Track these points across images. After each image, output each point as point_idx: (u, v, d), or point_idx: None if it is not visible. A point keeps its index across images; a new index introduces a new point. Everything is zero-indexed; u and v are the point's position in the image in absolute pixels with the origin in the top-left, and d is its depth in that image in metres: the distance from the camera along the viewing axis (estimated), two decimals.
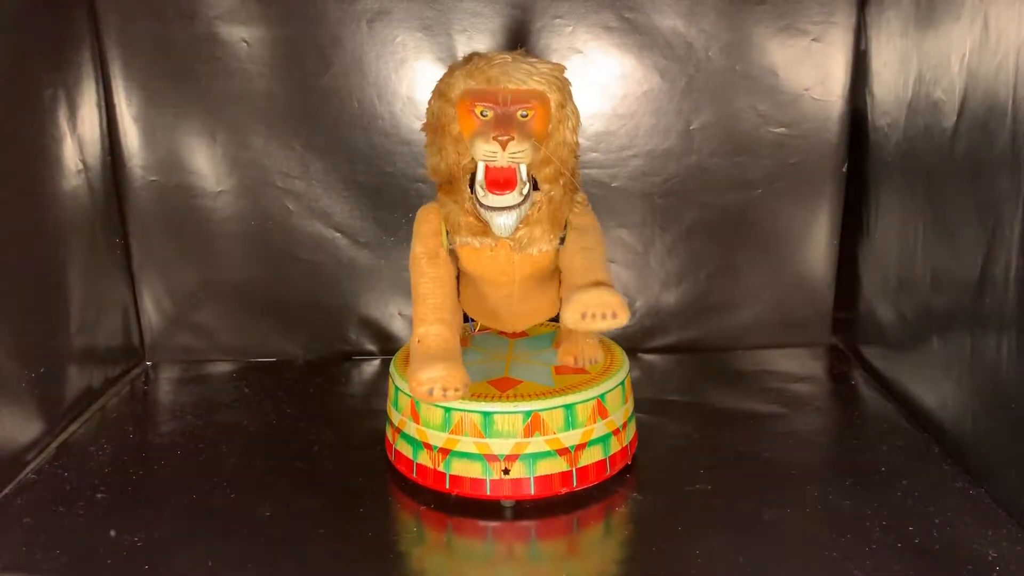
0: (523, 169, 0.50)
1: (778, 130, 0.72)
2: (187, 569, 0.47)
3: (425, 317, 0.53)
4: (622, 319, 0.48)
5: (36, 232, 0.61)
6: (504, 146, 0.48)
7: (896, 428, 0.61)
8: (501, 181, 0.49)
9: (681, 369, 0.73)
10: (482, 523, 0.52)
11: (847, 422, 0.64)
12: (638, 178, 0.72)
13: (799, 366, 0.73)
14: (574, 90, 0.53)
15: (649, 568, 0.47)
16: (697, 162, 0.72)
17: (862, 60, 0.70)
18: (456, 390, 0.50)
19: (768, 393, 0.67)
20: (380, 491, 0.55)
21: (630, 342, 0.74)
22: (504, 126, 0.48)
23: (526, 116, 0.49)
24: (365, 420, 0.64)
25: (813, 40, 0.70)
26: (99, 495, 0.54)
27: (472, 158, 0.50)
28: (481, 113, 0.49)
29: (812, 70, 0.70)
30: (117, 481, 0.56)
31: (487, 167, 0.49)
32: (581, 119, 0.54)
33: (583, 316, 0.48)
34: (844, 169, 0.73)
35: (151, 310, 0.75)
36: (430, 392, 0.50)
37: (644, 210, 0.73)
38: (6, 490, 0.55)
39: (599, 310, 0.48)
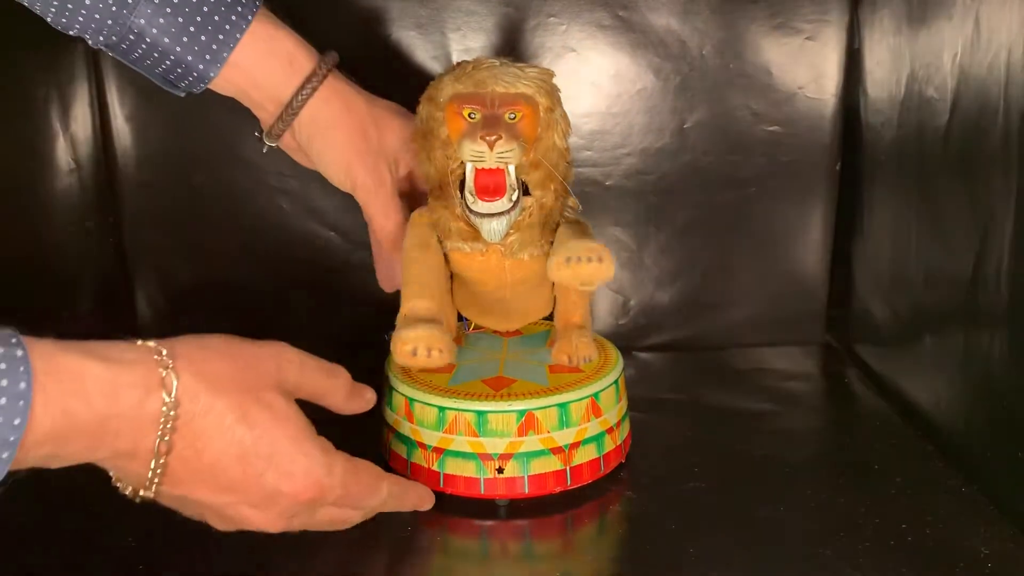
0: (512, 174, 0.49)
1: (772, 128, 0.72)
2: (182, 570, 0.47)
3: (411, 295, 0.53)
4: (608, 264, 0.48)
5: (28, 232, 0.61)
6: (492, 146, 0.47)
7: (889, 426, 0.62)
8: (491, 187, 0.49)
9: (675, 367, 0.73)
10: (476, 522, 0.52)
11: (840, 420, 0.64)
12: (632, 176, 0.72)
13: (793, 364, 0.73)
14: (567, 89, 0.53)
15: (643, 566, 0.47)
16: (691, 160, 0.72)
17: (855, 58, 0.70)
18: (440, 351, 0.50)
19: (762, 391, 0.67)
20: None
21: (624, 340, 0.74)
22: (492, 127, 0.48)
23: (514, 118, 0.49)
24: (359, 419, 0.63)
25: (807, 38, 0.70)
26: (94, 496, 0.54)
27: (461, 162, 0.50)
28: (469, 115, 0.49)
29: (806, 68, 0.71)
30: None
31: (476, 172, 0.49)
32: (575, 118, 0.53)
33: (567, 260, 0.48)
34: (837, 167, 0.73)
35: (145, 310, 0.75)
36: (414, 352, 0.50)
37: (638, 208, 0.73)
38: None
39: (584, 253, 0.48)
